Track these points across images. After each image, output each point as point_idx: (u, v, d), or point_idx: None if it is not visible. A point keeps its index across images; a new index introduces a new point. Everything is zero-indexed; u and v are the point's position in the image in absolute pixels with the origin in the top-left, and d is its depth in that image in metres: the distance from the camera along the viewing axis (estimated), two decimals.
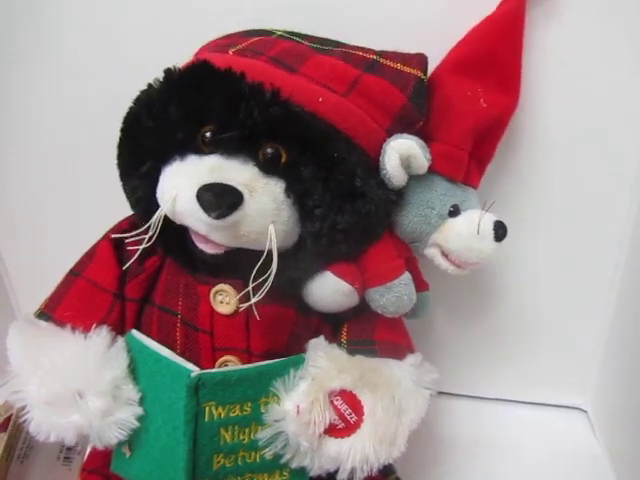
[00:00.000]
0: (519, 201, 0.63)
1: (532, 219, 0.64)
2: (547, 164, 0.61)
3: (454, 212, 0.49)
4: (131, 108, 0.45)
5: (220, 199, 0.39)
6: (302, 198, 0.42)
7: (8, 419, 0.51)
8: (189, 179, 0.41)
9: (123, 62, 0.60)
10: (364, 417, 0.44)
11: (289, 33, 0.50)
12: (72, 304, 0.48)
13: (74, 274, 0.50)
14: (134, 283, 0.49)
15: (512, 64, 0.52)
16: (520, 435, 0.69)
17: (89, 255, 0.50)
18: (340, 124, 0.42)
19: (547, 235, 0.65)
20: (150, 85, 0.45)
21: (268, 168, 0.42)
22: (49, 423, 0.45)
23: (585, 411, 0.74)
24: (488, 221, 0.49)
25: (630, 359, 0.63)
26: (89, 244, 0.51)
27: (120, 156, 0.46)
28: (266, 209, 0.41)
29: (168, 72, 0.44)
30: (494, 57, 0.50)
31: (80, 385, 0.45)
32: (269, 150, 0.42)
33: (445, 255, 0.50)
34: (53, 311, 0.48)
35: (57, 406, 0.45)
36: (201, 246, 0.44)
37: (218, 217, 0.39)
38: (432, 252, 0.51)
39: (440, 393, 0.71)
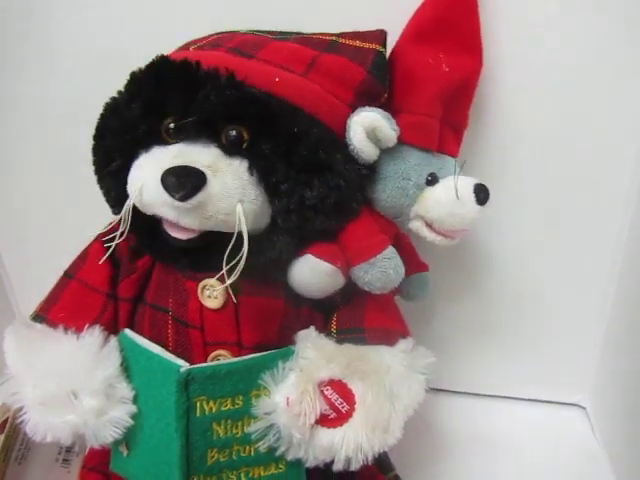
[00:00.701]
0: (518, 201, 0.63)
1: (531, 218, 0.64)
2: (547, 161, 0.61)
3: (432, 181, 0.49)
4: (101, 115, 0.47)
5: (183, 180, 0.40)
6: (266, 175, 0.42)
7: (5, 421, 0.51)
8: (154, 168, 0.42)
9: (122, 61, 0.60)
10: (356, 406, 0.44)
11: (252, 30, 0.51)
12: (65, 305, 0.49)
13: (67, 276, 0.51)
14: (126, 283, 0.49)
15: (469, 26, 0.52)
16: (519, 432, 0.69)
17: (82, 257, 0.51)
18: (299, 101, 0.43)
19: (546, 232, 0.65)
20: (119, 92, 0.46)
21: (231, 149, 0.43)
22: (45, 424, 0.45)
23: (584, 408, 0.73)
24: (468, 185, 0.48)
25: (629, 355, 0.63)
26: None
27: (93, 160, 0.47)
28: (231, 188, 0.42)
29: (132, 74, 0.45)
30: (450, 21, 0.50)
31: (74, 385, 0.45)
32: (231, 132, 0.42)
33: (429, 226, 0.50)
34: (47, 313, 0.49)
35: (52, 406, 0.45)
36: (172, 233, 0.44)
37: (182, 198, 0.39)
38: (416, 225, 0.51)
39: (439, 390, 0.72)
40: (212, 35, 0.50)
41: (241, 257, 0.42)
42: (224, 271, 0.42)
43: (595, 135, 0.60)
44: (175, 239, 0.44)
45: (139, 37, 0.60)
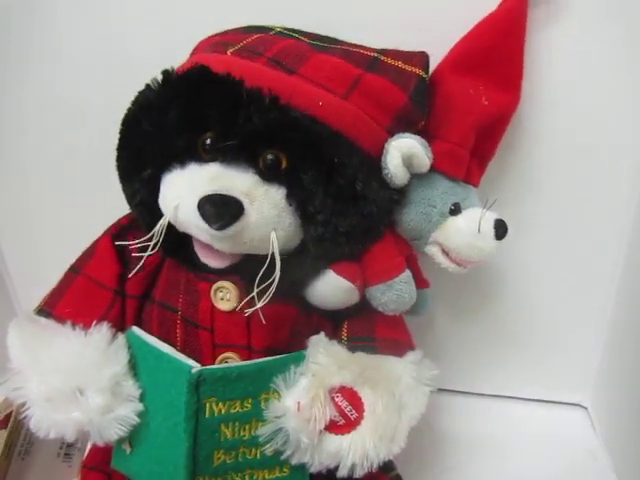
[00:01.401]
0: (519, 201, 0.63)
1: (532, 218, 0.64)
2: (547, 164, 0.61)
3: (455, 210, 0.49)
4: (129, 110, 0.45)
5: (221, 210, 0.39)
6: (303, 204, 0.42)
7: (8, 416, 0.51)
8: (190, 188, 0.41)
9: (123, 61, 0.60)
10: (364, 414, 0.45)
11: (288, 30, 0.50)
12: (72, 301, 0.49)
13: (74, 271, 0.50)
14: (134, 280, 0.49)
15: (513, 62, 0.52)
16: (520, 432, 0.69)
17: (89, 252, 0.50)
18: (340, 127, 0.42)
19: (546, 233, 0.64)
20: (148, 86, 0.44)
21: (268, 175, 0.42)
22: (49, 420, 0.45)
23: (585, 407, 0.73)
24: (489, 219, 0.49)
25: (630, 355, 0.63)
26: (90, 241, 0.51)
27: (119, 159, 0.46)
28: (267, 217, 0.41)
29: (166, 74, 0.43)
30: (495, 55, 0.50)
31: (80, 382, 0.45)
32: (269, 157, 0.42)
33: (445, 253, 0.50)
34: (53, 308, 0.49)
35: (57, 403, 0.45)
36: (205, 260, 0.44)
37: (220, 228, 0.39)
38: (433, 250, 0.51)
39: (440, 390, 0.72)
40: (249, 32, 0.48)
41: (274, 281, 0.41)
42: (254, 293, 0.42)
43: (595, 141, 0.60)
44: (205, 265, 0.44)
45: (143, 37, 0.60)
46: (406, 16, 0.55)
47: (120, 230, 0.50)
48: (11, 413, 0.50)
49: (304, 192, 0.42)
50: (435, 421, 0.68)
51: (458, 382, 0.74)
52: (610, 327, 0.68)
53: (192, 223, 0.41)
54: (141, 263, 0.46)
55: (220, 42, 0.47)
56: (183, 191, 0.42)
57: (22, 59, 0.64)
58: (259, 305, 0.42)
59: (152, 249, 0.44)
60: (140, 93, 0.44)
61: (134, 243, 0.44)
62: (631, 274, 0.63)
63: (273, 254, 0.41)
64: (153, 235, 0.43)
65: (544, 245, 0.65)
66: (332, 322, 0.50)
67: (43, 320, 0.48)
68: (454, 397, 0.74)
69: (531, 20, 0.52)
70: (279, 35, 0.48)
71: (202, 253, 0.44)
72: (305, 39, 0.48)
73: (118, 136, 0.45)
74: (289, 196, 0.42)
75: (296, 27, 0.51)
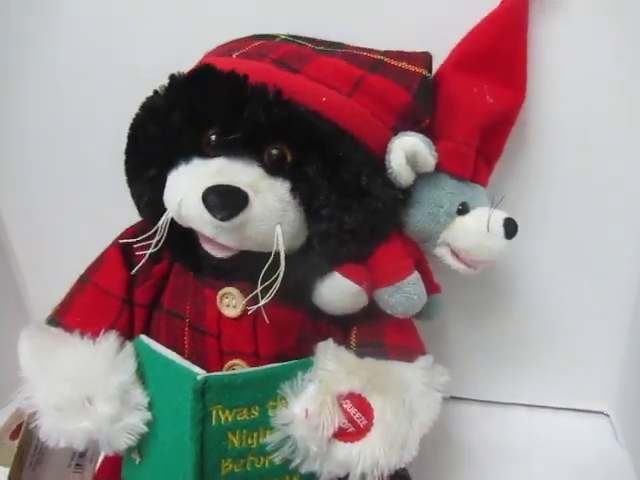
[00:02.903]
0: (535, 202, 0.62)
1: (549, 220, 0.63)
2: (563, 163, 0.60)
3: (463, 210, 0.49)
4: (137, 115, 0.46)
5: (226, 200, 0.39)
6: (308, 198, 0.42)
7: (20, 426, 0.51)
8: (194, 182, 0.41)
9: (133, 66, 0.61)
10: (374, 421, 0.44)
11: (292, 37, 0.50)
12: (81, 310, 0.49)
13: (83, 281, 0.50)
14: (142, 288, 0.49)
15: (517, 59, 0.52)
16: (540, 440, 0.68)
17: (98, 261, 0.51)
18: (344, 123, 0.42)
19: (565, 236, 0.64)
20: (156, 92, 0.45)
21: (273, 169, 0.42)
22: (59, 429, 0.45)
23: (607, 415, 0.72)
24: (498, 218, 0.48)
25: None
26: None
27: (127, 162, 0.46)
28: (272, 209, 0.41)
29: (172, 78, 0.44)
30: (498, 53, 0.50)
31: (89, 390, 0.45)
32: (274, 151, 0.42)
33: (455, 254, 0.50)
34: (62, 317, 0.49)
35: (66, 412, 0.45)
36: (209, 250, 0.44)
37: (224, 218, 0.39)
38: (442, 251, 0.50)
39: (457, 398, 0.71)
40: (253, 40, 0.49)
41: (278, 278, 0.41)
42: (258, 290, 0.42)
43: (611, 145, 0.59)
44: (209, 255, 0.44)
45: (153, 40, 0.61)
46: (408, 16, 0.55)
47: (128, 239, 0.50)
48: (22, 423, 0.50)
49: (309, 186, 0.42)
50: (452, 431, 0.68)
51: (475, 390, 0.73)
52: (632, 333, 0.66)
53: (196, 216, 0.41)
54: (143, 261, 0.46)
55: (225, 49, 0.48)
56: (188, 185, 0.42)
57: (39, 70, 0.65)
58: (262, 302, 0.42)
59: (155, 246, 0.44)
60: (147, 98, 0.45)
61: (138, 240, 0.44)
62: None
63: (278, 251, 0.41)
64: (156, 232, 0.43)
65: (563, 250, 0.64)
66: (341, 329, 0.49)
67: (53, 329, 0.48)
68: (471, 406, 0.73)
69: (534, 16, 0.52)
70: (283, 41, 0.49)
71: (206, 243, 0.44)
72: (309, 45, 0.49)
73: (126, 141, 0.46)
74: (293, 190, 0.42)
75: (298, 31, 0.51)
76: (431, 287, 0.54)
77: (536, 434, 0.69)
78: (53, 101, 0.66)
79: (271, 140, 0.42)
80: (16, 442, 0.49)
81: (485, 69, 0.50)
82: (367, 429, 0.43)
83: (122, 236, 0.51)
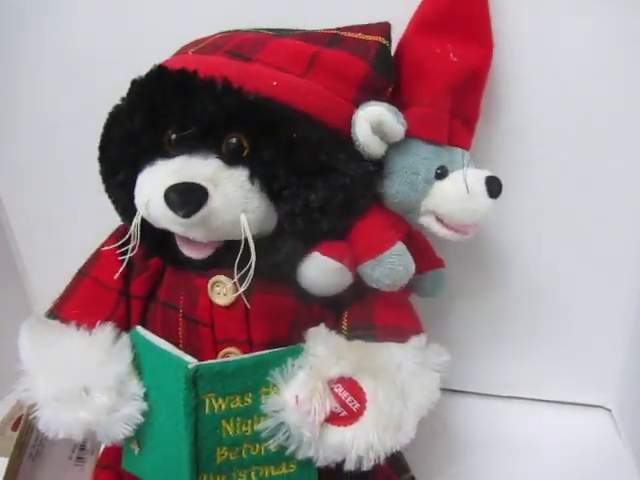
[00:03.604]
0: (539, 190, 0.62)
1: (553, 210, 0.63)
2: (567, 146, 0.60)
3: (441, 174, 0.48)
4: (105, 121, 0.47)
5: (185, 197, 0.40)
6: (267, 182, 0.42)
7: (20, 418, 0.51)
8: (158, 182, 0.42)
9: (136, 65, 0.62)
10: (366, 404, 0.44)
11: (256, 29, 0.51)
12: (79, 302, 0.49)
13: (81, 274, 0.51)
14: (139, 280, 0.49)
15: (478, 14, 0.50)
16: (541, 435, 0.67)
17: (95, 255, 0.52)
18: (298, 104, 0.42)
19: (569, 228, 0.63)
20: (122, 97, 0.46)
21: (231, 159, 0.43)
22: (57, 420, 0.46)
23: (609, 410, 0.72)
24: (479, 178, 0.47)
25: None
26: None
27: (100, 168, 0.48)
28: (233, 199, 0.42)
29: (132, 82, 0.45)
30: (458, 11, 0.49)
31: (85, 381, 0.45)
32: (232, 140, 0.42)
33: (440, 220, 0.49)
34: (61, 310, 0.50)
35: (64, 402, 0.45)
36: (187, 253, 0.45)
37: (186, 215, 0.40)
38: (427, 220, 0.50)
39: (456, 391, 0.71)
40: (213, 35, 0.50)
41: (250, 265, 0.42)
42: (236, 279, 0.42)
43: (617, 127, 0.58)
44: (188, 258, 0.45)
45: (148, 38, 0.61)
46: None
47: (122, 234, 0.51)
48: (22, 415, 0.51)
49: (265, 170, 0.42)
50: (451, 423, 0.67)
51: (476, 383, 0.73)
52: (634, 326, 0.66)
53: (162, 216, 0.42)
54: (124, 265, 0.48)
55: (185, 47, 0.49)
56: (152, 186, 0.43)
57: (36, 59, 0.66)
58: (242, 289, 0.43)
59: (132, 251, 0.45)
60: (114, 105, 0.46)
61: (115, 246, 0.47)
62: None
63: (247, 238, 0.42)
64: (131, 237, 0.44)
65: (566, 241, 0.64)
66: (334, 312, 0.49)
67: (51, 322, 0.49)
68: (470, 398, 0.72)
69: None
70: (242, 32, 0.50)
71: (183, 246, 0.45)
72: (268, 32, 0.49)
73: (98, 150, 0.47)
74: (252, 176, 0.42)
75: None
76: (431, 262, 0.55)
77: (537, 428, 0.68)
78: (53, 90, 0.67)
79: (226, 131, 0.42)
80: (16, 433, 0.50)
81: (446, 29, 0.49)
82: (360, 412, 0.44)
83: (117, 231, 0.51)
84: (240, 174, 0.43)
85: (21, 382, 0.47)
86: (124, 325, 0.49)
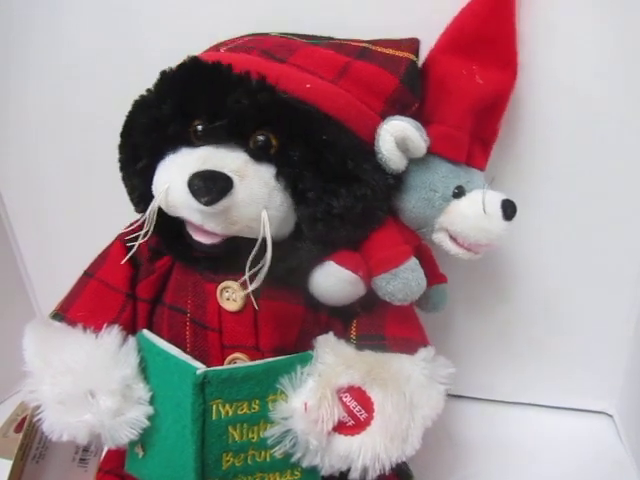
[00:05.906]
0: (541, 198, 0.61)
1: (555, 217, 0.62)
2: (569, 154, 0.60)
3: (458, 194, 0.49)
4: (129, 112, 0.47)
5: (210, 184, 0.40)
6: (293, 182, 0.42)
7: (24, 419, 0.51)
8: (181, 170, 0.42)
9: (140, 65, 0.61)
10: (374, 414, 0.44)
11: (284, 34, 0.51)
12: (85, 304, 0.49)
13: (87, 275, 0.51)
14: (145, 283, 0.49)
15: (505, 39, 0.51)
16: (543, 440, 0.67)
17: (102, 256, 0.51)
18: (329, 109, 0.43)
19: (571, 234, 0.63)
20: (148, 89, 0.46)
21: (259, 155, 0.43)
22: (62, 422, 0.45)
23: (610, 415, 0.72)
24: (496, 200, 0.48)
25: None
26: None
27: (120, 156, 0.47)
28: (257, 194, 0.42)
29: (162, 73, 0.45)
30: (486, 34, 0.49)
31: (91, 384, 0.45)
32: (259, 137, 0.42)
33: (453, 239, 0.49)
34: (66, 311, 0.49)
35: (69, 405, 0.45)
36: (197, 238, 0.44)
37: (208, 203, 0.39)
38: (440, 237, 0.50)
39: (459, 397, 0.71)
40: (244, 37, 0.50)
41: (264, 264, 0.42)
42: (246, 277, 0.42)
43: (619, 134, 0.58)
44: (198, 243, 0.44)
45: (159, 37, 0.61)
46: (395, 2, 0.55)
47: (131, 234, 0.50)
48: (27, 416, 0.50)
49: (294, 170, 0.42)
50: (454, 429, 0.68)
51: (477, 389, 0.73)
52: (636, 332, 0.66)
53: (182, 203, 0.42)
54: (131, 253, 0.47)
55: (215, 46, 0.49)
56: (174, 173, 0.43)
57: (38, 59, 0.66)
58: (251, 288, 0.42)
59: (144, 236, 0.45)
60: (140, 96, 0.46)
61: (129, 231, 0.46)
62: None
63: (265, 236, 0.41)
64: (145, 222, 0.44)
65: (567, 248, 0.64)
66: (342, 321, 0.49)
67: (57, 324, 0.49)
68: (473, 404, 0.72)
69: None
70: (273, 35, 0.50)
71: (193, 231, 0.44)
72: (299, 39, 0.50)
73: (119, 139, 0.47)
74: (279, 174, 0.42)
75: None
76: (436, 277, 0.55)
77: (538, 434, 0.68)
78: (57, 95, 0.67)
79: (256, 126, 0.42)
80: (20, 435, 0.50)
81: (473, 50, 0.50)
82: (367, 422, 0.44)
83: (126, 232, 0.51)
84: (267, 170, 0.42)
85: (26, 384, 0.47)
86: (130, 328, 0.49)
